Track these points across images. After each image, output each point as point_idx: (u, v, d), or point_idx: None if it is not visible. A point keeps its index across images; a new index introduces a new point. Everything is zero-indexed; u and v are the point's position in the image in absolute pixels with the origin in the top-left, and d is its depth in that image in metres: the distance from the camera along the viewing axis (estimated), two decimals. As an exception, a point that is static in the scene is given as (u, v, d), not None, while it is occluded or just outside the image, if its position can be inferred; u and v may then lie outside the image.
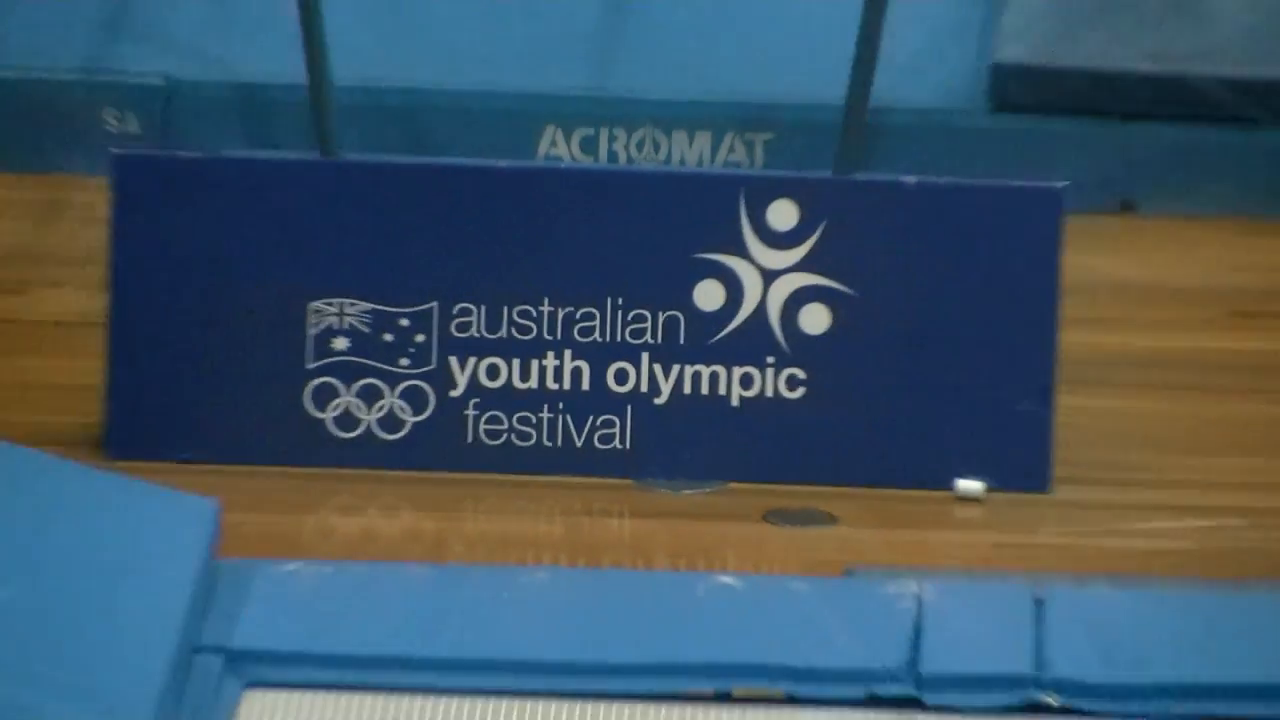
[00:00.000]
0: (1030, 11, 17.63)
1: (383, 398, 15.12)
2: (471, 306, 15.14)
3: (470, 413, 15.10)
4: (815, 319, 15.02)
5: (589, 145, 17.04)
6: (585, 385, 15.20)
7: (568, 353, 15.09)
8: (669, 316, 15.06)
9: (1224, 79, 16.87)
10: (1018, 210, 15.50)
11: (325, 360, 15.10)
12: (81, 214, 16.10)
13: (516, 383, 15.13)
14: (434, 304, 15.13)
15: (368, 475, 15.10)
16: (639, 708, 12.30)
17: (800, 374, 15.08)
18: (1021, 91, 17.04)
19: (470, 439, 15.07)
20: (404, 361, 15.10)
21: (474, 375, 15.15)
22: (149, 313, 15.29)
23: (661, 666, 12.22)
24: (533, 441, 15.16)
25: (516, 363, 15.14)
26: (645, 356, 15.11)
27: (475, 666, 12.13)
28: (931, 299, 15.34)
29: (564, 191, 15.71)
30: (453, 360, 15.10)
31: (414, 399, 15.18)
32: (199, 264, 15.27)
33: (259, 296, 15.24)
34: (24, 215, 16.75)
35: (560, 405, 15.19)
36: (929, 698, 11.97)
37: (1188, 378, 16.79)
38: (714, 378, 15.12)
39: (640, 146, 17.07)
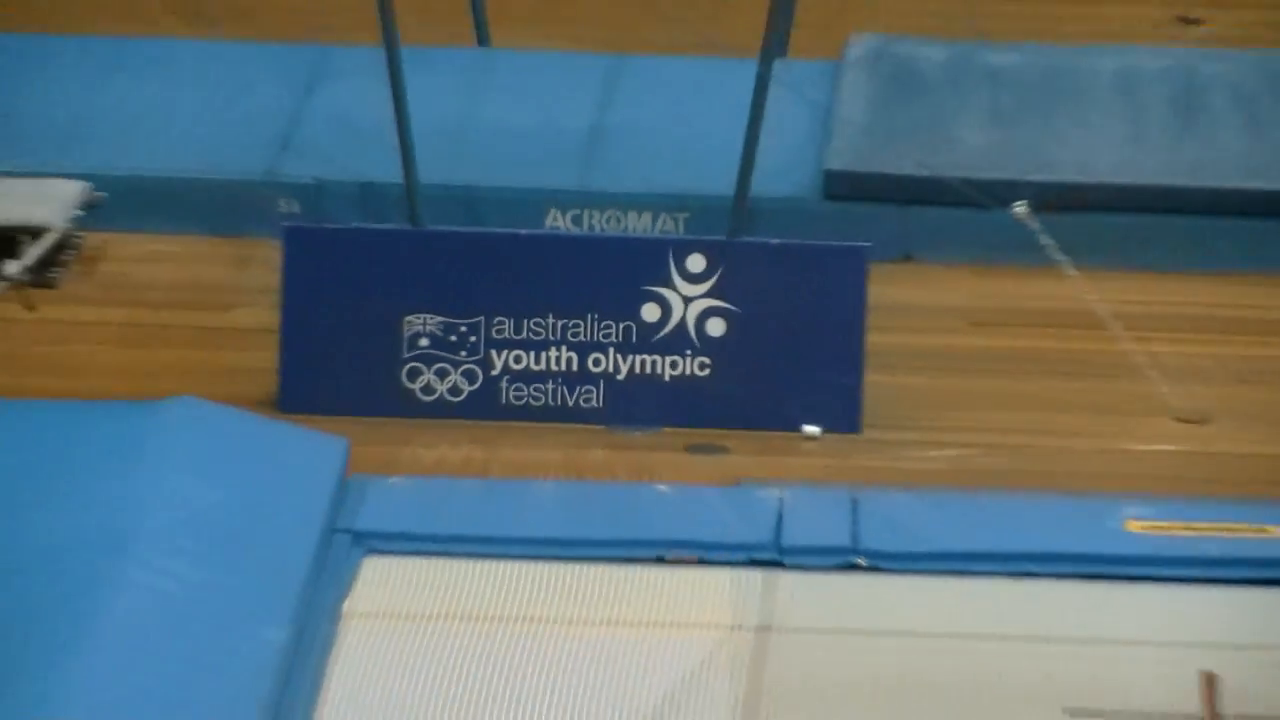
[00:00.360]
0: (846, 134, 18.63)
1: (450, 375, 16.42)
2: (504, 319, 16.36)
3: (504, 384, 16.51)
4: (716, 327, 16.39)
5: (577, 220, 18.22)
6: (574, 368, 16.48)
7: (564, 348, 16.40)
8: (625, 325, 16.43)
9: (967, 179, 17.81)
10: (840, 260, 16.54)
11: (414, 352, 16.38)
12: (265, 262, 16.82)
13: (532, 366, 16.46)
14: (481, 318, 16.33)
15: (440, 424, 16.41)
16: (611, 568, 14.07)
17: (707, 361, 16.43)
18: (841, 187, 18.11)
19: (504, 401, 16.52)
20: (463, 353, 16.40)
21: (506, 361, 16.44)
22: (307, 323, 16.49)
23: (623, 541, 14.23)
24: (542, 402, 16.57)
25: (532, 354, 16.47)
26: (611, 350, 16.45)
27: (514, 541, 14.08)
28: (787, 314, 16.51)
29: (561, 248, 17.20)
30: (492, 352, 16.38)
31: (469, 376, 16.46)
32: (338, 293, 16.52)
33: (374, 312, 16.44)
34: (227, 262, 17.47)
35: (559, 380, 16.52)
36: (787, 560, 14.01)
37: (948, 364, 17.10)
38: (654, 363, 16.47)
39: (609, 221, 18.20)
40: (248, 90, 19.02)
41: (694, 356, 16.61)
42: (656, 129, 18.76)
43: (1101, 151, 18.56)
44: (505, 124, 18.70)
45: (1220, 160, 18.41)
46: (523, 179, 18.31)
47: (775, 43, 17.33)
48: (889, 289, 17.00)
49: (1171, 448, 16.19)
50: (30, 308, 17.19)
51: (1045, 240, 17.06)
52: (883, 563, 14.09)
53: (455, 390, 16.57)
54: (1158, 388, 16.52)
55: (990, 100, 19.07)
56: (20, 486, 13.50)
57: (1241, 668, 12.87)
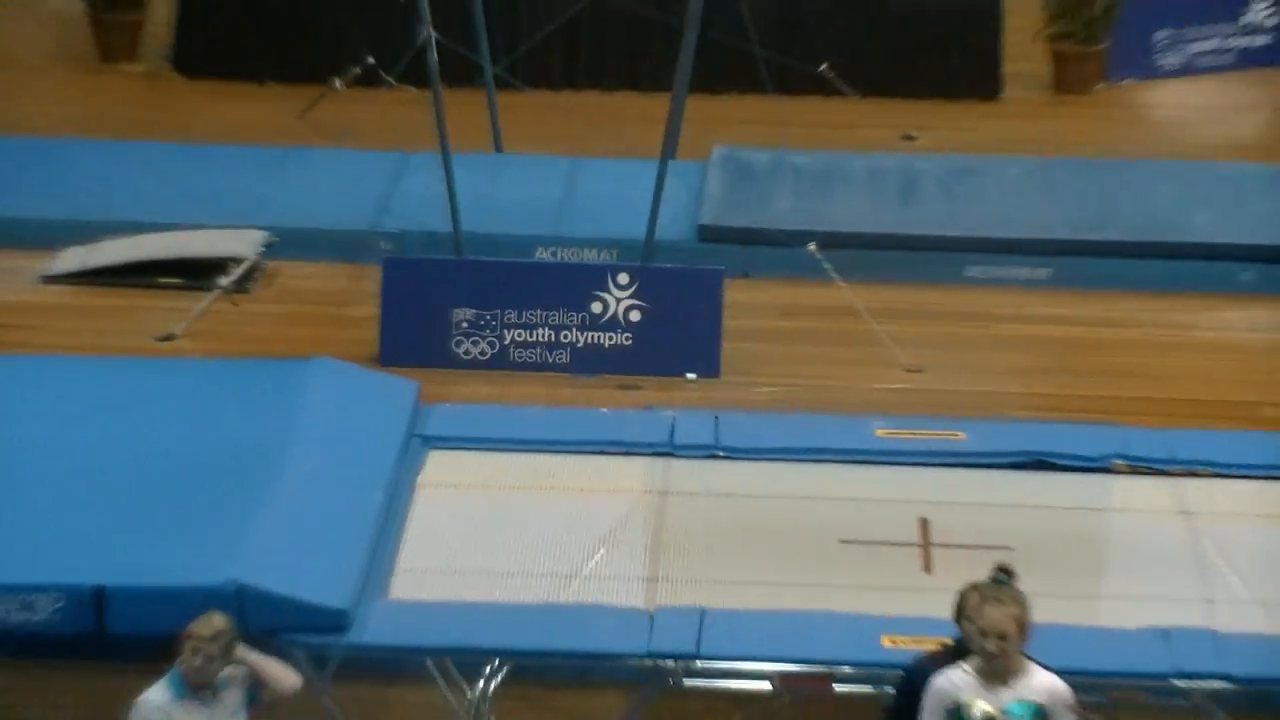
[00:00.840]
0: (711, 203, 18.79)
1: (480, 344, 16.92)
2: (512, 311, 16.93)
3: (511, 350, 17.01)
4: (635, 315, 16.97)
5: (555, 254, 18.15)
6: (552, 339, 16.96)
7: (546, 328, 16.99)
8: (582, 314, 16.96)
9: (780, 229, 18.19)
10: (707, 278, 17.09)
11: (458, 331, 16.89)
12: (372, 279, 17.18)
13: (528, 339, 17.02)
14: (498, 310, 16.87)
15: (473, 374, 16.69)
16: (577, 457, 14.25)
17: (630, 336, 16.96)
18: (708, 235, 18.36)
19: (511, 359, 16.94)
20: (487, 331, 16.89)
21: (512, 336, 17.01)
22: (395, 313, 17.00)
23: (584, 441, 14.40)
24: (534, 360, 17.00)
25: (528, 331, 17.02)
26: (574, 329, 17.00)
27: (520, 441, 14.30)
28: (677, 308, 17.00)
29: (545, 270, 17.70)
30: (505, 330, 16.94)
31: (491, 345, 16.94)
32: (414, 296, 17.04)
33: (434, 306, 16.91)
34: (350, 278, 17.87)
35: (543, 347, 17.07)
36: (677, 452, 14.11)
37: (770, 337, 17.32)
38: (599, 337, 16.99)
39: (572, 254, 18.22)
40: (360, 179, 19.05)
41: (622, 333, 17.09)
42: (601, 200, 18.69)
43: (860, 213, 18.91)
44: (512, 197, 18.63)
45: (928, 218, 18.93)
46: (521, 229, 18.29)
47: (669, 150, 17.61)
48: (735, 293, 17.32)
49: (901, 386, 16.68)
50: (235, 304, 17.65)
51: (826, 265, 17.51)
52: (733, 454, 14.27)
53: (483, 353, 17.02)
54: (893, 351, 16.97)
55: (794, 183, 19.02)
56: (224, 408, 13.82)
57: (944, 516, 13.18)
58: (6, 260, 17.97)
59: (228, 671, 10.35)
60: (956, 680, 9.10)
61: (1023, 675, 9.07)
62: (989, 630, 9.02)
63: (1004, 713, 8.98)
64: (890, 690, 10.65)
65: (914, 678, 10.08)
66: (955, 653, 9.68)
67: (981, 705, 8.99)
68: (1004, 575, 9.60)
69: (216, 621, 10.26)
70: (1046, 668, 9.24)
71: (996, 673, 9.02)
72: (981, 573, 9.75)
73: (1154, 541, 12.84)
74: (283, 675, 10.63)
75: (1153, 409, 15.40)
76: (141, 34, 21.74)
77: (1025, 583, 9.61)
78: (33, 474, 12.87)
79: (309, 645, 11.56)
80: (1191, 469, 13.63)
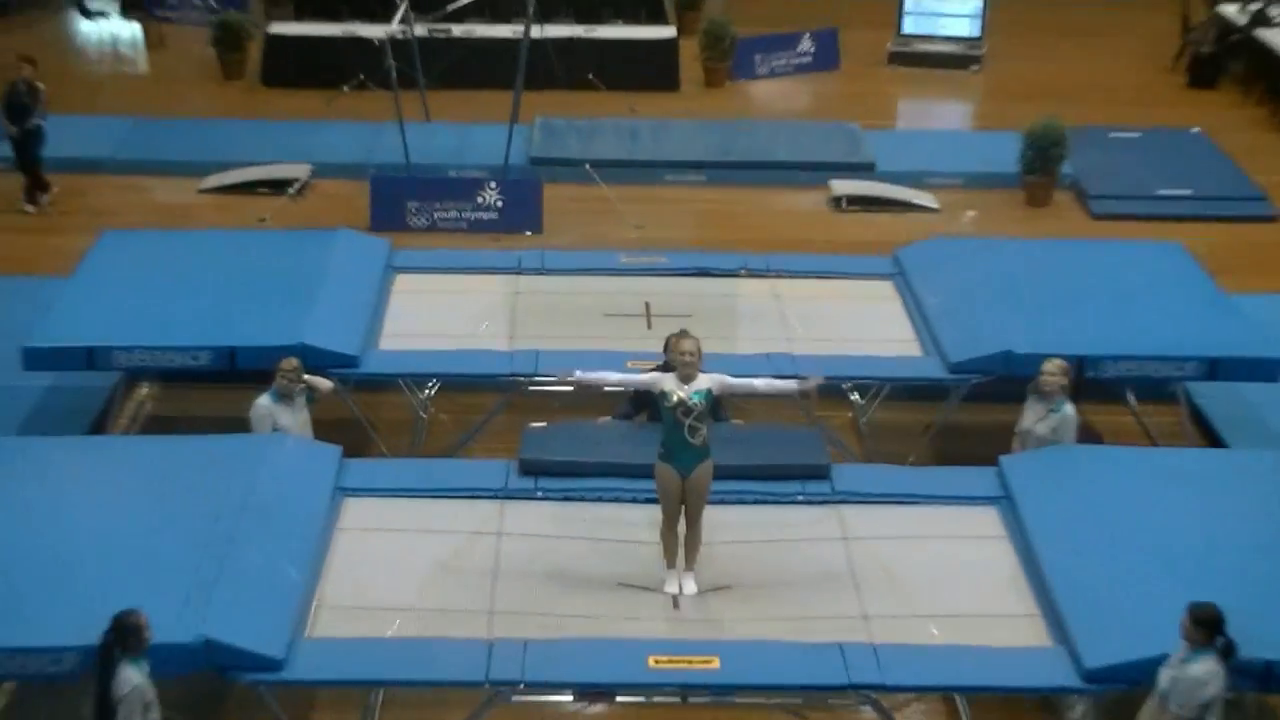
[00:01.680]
0: (538, 142, 17.51)
1: (421, 219, 15.97)
2: (437, 202, 15.91)
3: (438, 221, 15.86)
4: (499, 203, 15.99)
5: (458, 173, 16.89)
6: (457, 215, 15.91)
7: (455, 209, 15.89)
8: (472, 203, 15.92)
9: (570, 157, 17.37)
10: (533, 184, 16.08)
11: (409, 212, 15.73)
12: (365, 189, 16.09)
13: (446, 216, 15.95)
14: (431, 200, 15.80)
15: (417, 234, 15.64)
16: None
17: (496, 214, 15.94)
18: (536, 161, 17.22)
19: (438, 226, 15.81)
20: (424, 212, 15.96)
21: (439, 215, 15.89)
22: (379, 205, 15.79)
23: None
24: (448, 226, 15.84)
25: (446, 212, 15.95)
26: (469, 210, 15.84)
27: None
28: (520, 198, 16.03)
29: (454, 182, 16.29)
30: (434, 212, 15.95)
31: (428, 219, 15.90)
32: (388, 197, 15.87)
33: (396, 200, 15.79)
34: (353, 188, 16.41)
35: (453, 219, 15.88)
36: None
37: (568, 210, 16.20)
38: (479, 213, 15.95)
39: (468, 174, 16.78)
40: (356, 136, 18.13)
41: (491, 211, 16.10)
42: (482, 145, 17.71)
43: (611, 148, 18.02)
44: (435, 144, 17.86)
45: (644, 149, 18.07)
46: (440, 160, 17.46)
47: (514, 118, 16.72)
48: (549, 191, 16.45)
49: (632, 235, 15.68)
50: (294, 202, 16.68)
51: (594, 175, 16.70)
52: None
53: (422, 223, 16.15)
54: (628, 218, 16.08)
55: (577, 134, 18.25)
56: (290, 246, 12.70)
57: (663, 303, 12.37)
58: (180, 183, 17.16)
59: (297, 387, 10.17)
60: (666, 381, 8.59)
61: (699, 379, 8.59)
62: (683, 351, 8.61)
63: (690, 396, 8.54)
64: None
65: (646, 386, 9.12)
66: (663, 367, 9.39)
67: (678, 393, 8.54)
68: (686, 329, 9.23)
69: (294, 360, 10.07)
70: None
71: (686, 378, 8.57)
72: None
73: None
74: (322, 384, 10.46)
75: (759, 245, 14.44)
76: (244, 65, 21.22)
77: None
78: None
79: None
80: (779, 274, 12.99)
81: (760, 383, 8.90)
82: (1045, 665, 8.02)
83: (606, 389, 10.38)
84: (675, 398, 8.47)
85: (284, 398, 9.97)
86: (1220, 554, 8.54)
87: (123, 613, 7.27)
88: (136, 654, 7.25)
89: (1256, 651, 7.55)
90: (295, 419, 9.99)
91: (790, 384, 9.01)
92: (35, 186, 16.05)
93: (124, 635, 7.22)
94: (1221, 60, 21.45)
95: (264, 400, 9.94)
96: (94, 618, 7.44)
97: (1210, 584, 7.92)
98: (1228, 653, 7.27)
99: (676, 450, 8.52)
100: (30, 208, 16.03)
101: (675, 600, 8.64)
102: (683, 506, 8.67)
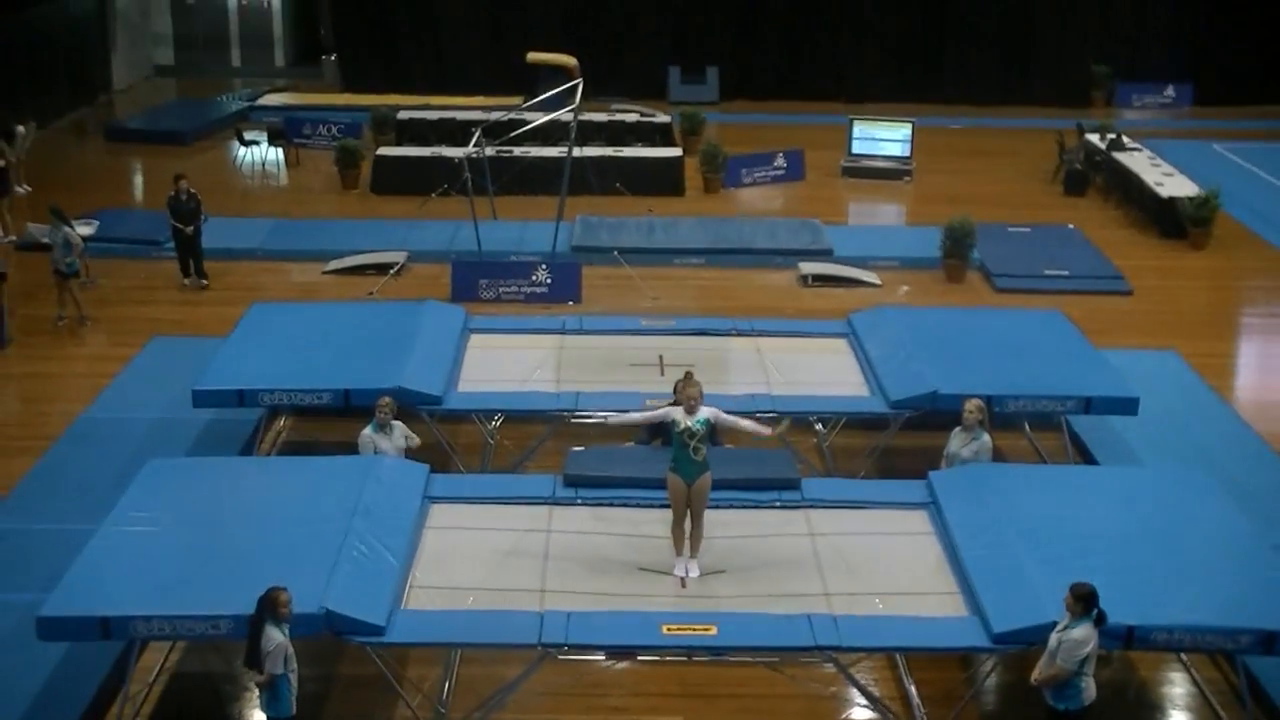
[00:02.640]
0: (578, 234, 17.36)
1: (490, 291, 15.57)
2: (502, 279, 15.58)
3: (502, 294, 15.48)
4: (549, 280, 15.60)
5: (517, 257, 16.37)
6: (517, 290, 15.62)
7: (516, 284, 15.58)
8: (529, 279, 15.59)
9: (602, 245, 16.97)
10: (573, 266, 15.83)
11: (480, 287, 15.55)
12: (447, 271, 15.82)
13: (508, 289, 15.61)
14: (497, 278, 15.53)
15: (487, 304, 15.31)
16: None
17: (546, 288, 15.53)
18: (577, 250, 16.80)
19: (502, 298, 15.41)
20: (492, 287, 15.62)
21: (503, 289, 15.55)
22: (459, 283, 15.52)
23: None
24: (510, 298, 15.53)
25: (508, 286, 15.62)
26: (525, 285, 15.55)
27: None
28: (564, 277, 15.51)
29: (515, 265, 15.89)
30: (499, 287, 15.59)
31: (494, 293, 15.60)
32: (465, 276, 15.57)
33: (471, 278, 15.53)
34: (438, 270, 16.13)
35: (514, 291, 15.60)
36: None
37: (602, 285, 15.69)
38: (534, 287, 15.65)
39: (524, 258, 16.33)
40: (441, 232, 17.91)
41: (542, 286, 15.77)
42: (535, 237, 17.51)
43: (634, 238, 17.66)
44: (500, 236, 17.49)
45: (659, 239, 17.70)
46: (504, 248, 17.21)
47: (560, 216, 16.69)
48: (587, 271, 16.13)
49: (649, 306, 15.35)
50: (395, 279, 16.43)
51: (620, 259, 16.52)
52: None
53: (491, 295, 15.79)
54: (647, 292, 15.94)
55: (609, 229, 17.75)
56: (392, 320, 12.20)
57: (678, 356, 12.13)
58: (309, 266, 16.88)
59: (394, 420, 10.03)
60: (675, 413, 8.59)
61: (700, 410, 8.54)
62: (690, 395, 8.57)
63: (694, 424, 8.50)
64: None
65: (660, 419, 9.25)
66: (673, 405, 9.12)
67: (684, 421, 8.50)
68: (691, 374, 9.29)
69: (387, 399, 9.98)
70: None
71: (691, 410, 8.52)
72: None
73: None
74: (415, 440, 10.21)
75: (745, 311, 14.18)
76: (359, 178, 20.95)
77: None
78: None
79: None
80: (760, 333, 12.72)
81: (746, 423, 8.75)
82: (964, 630, 8.00)
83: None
84: (683, 425, 8.43)
85: (381, 428, 9.86)
86: (1095, 544, 8.51)
87: (272, 588, 7.26)
88: (280, 620, 7.21)
89: (1121, 619, 7.57)
90: (391, 445, 9.86)
91: (765, 429, 8.84)
92: (198, 271, 16.02)
93: (272, 605, 7.22)
94: (1088, 175, 21.56)
95: (367, 431, 9.87)
96: (241, 593, 7.48)
97: (1087, 568, 7.94)
98: (1100, 620, 7.28)
99: (683, 464, 8.46)
100: (188, 282, 15.98)
101: (683, 581, 8.55)
102: (688, 509, 8.57)
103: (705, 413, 8.39)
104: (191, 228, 15.65)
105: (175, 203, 15.62)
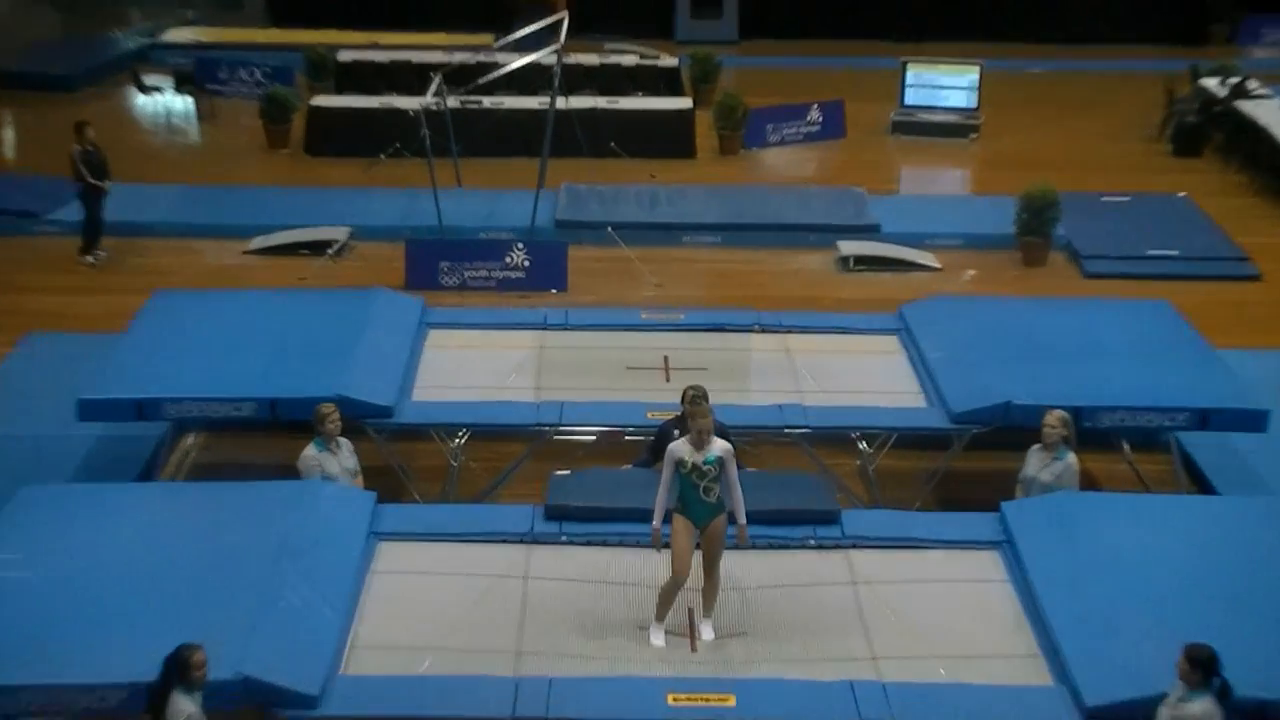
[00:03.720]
0: (563, 205, 17.51)
1: (452, 278, 15.74)
2: (468, 263, 15.72)
3: (469, 280, 15.62)
4: (527, 263, 15.77)
5: (487, 235, 16.81)
6: (486, 275, 15.74)
7: (485, 269, 15.71)
8: (501, 262, 15.74)
9: (593, 220, 17.36)
10: (558, 246, 16.05)
11: (441, 272, 15.65)
12: (400, 250, 15.86)
13: (476, 275, 15.71)
14: (462, 261, 15.68)
15: (449, 293, 15.53)
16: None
17: (524, 273, 15.74)
18: (561, 224, 17.20)
19: (468, 285, 15.56)
20: (455, 272, 15.77)
21: (469, 274, 15.68)
22: (413, 266, 15.60)
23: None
24: (479, 285, 15.64)
25: (476, 271, 15.74)
26: (498, 269, 15.72)
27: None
28: (545, 259, 15.78)
29: (484, 244, 16.17)
30: (465, 271, 15.74)
31: (459, 278, 15.71)
32: (422, 258, 15.65)
33: (429, 261, 15.65)
34: (389, 250, 16.22)
35: (483, 278, 15.73)
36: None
37: (591, 270, 15.92)
38: (508, 273, 15.75)
39: (497, 236, 16.65)
40: (392, 202, 18.09)
41: (519, 271, 15.94)
42: (509, 209, 17.82)
43: (632, 211, 17.92)
44: (466, 209, 17.79)
45: (663, 213, 18.01)
46: (471, 224, 17.38)
47: (541, 184, 16.76)
48: (573, 251, 16.34)
49: (651, 294, 15.64)
50: (334, 263, 16.53)
51: (615, 237, 16.70)
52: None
53: (454, 282, 15.93)
54: (648, 278, 16.13)
55: (599, 199, 18.10)
56: (330, 307, 12.59)
57: (681, 358, 12.35)
58: (226, 244, 17.06)
59: (340, 437, 10.05)
60: (679, 447, 8.59)
61: (711, 444, 8.59)
62: (700, 429, 8.57)
63: (703, 461, 8.55)
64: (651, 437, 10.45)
65: (662, 431, 10.12)
66: (680, 419, 9.48)
67: (692, 460, 8.53)
68: (702, 393, 9.20)
69: (329, 405, 9.98)
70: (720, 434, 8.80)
71: (699, 444, 8.55)
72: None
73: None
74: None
75: (771, 304, 14.23)
76: (289, 135, 21.17)
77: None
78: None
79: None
80: (790, 329, 12.88)
81: (738, 490, 8.67)
82: (1047, 703, 7.85)
83: (627, 437, 10.47)
84: (690, 463, 8.46)
85: (328, 445, 9.83)
86: (1213, 597, 8.41)
87: (183, 646, 7.14)
88: (191, 687, 7.11)
89: (1250, 691, 7.40)
90: (341, 467, 9.86)
91: (739, 520, 8.70)
92: (95, 243, 16.18)
93: (183, 667, 7.08)
94: (1204, 130, 21.38)
95: (310, 450, 9.84)
96: (136, 656, 7.33)
97: (1204, 626, 7.82)
98: (1223, 693, 7.13)
99: (692, 506, 8.52)
100: (93, 259, 16.19)
101: (693, 643, 8.52)
102: (698, 555, 8.61)
103: (718, 449, 8.48)
104: (109, 185, 15.85)
105: (87, 156, 15.74)
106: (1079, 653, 8.02)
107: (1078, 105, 24.16)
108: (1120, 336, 11.87)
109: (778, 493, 9.80)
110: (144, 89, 23.47)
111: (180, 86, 23.44)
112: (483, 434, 11.49)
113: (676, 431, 9.57)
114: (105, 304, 14.74)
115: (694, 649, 8.45)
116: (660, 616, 8.58)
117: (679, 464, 8.42)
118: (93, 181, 15.78)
